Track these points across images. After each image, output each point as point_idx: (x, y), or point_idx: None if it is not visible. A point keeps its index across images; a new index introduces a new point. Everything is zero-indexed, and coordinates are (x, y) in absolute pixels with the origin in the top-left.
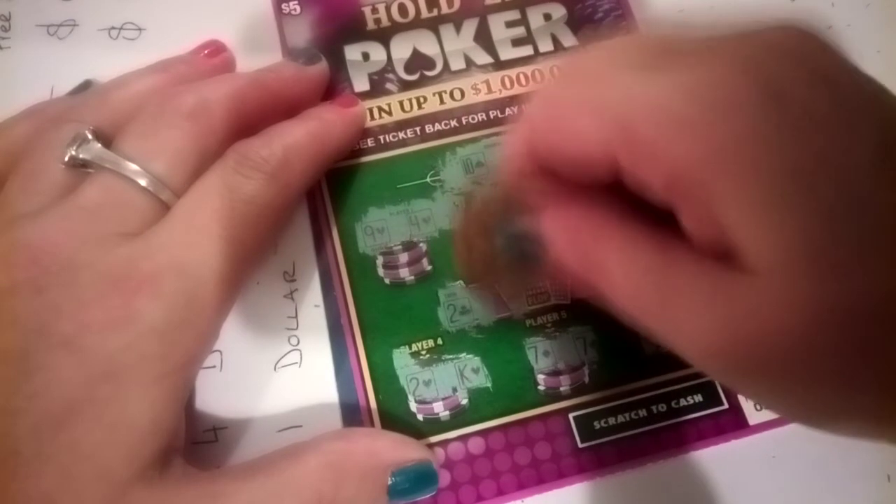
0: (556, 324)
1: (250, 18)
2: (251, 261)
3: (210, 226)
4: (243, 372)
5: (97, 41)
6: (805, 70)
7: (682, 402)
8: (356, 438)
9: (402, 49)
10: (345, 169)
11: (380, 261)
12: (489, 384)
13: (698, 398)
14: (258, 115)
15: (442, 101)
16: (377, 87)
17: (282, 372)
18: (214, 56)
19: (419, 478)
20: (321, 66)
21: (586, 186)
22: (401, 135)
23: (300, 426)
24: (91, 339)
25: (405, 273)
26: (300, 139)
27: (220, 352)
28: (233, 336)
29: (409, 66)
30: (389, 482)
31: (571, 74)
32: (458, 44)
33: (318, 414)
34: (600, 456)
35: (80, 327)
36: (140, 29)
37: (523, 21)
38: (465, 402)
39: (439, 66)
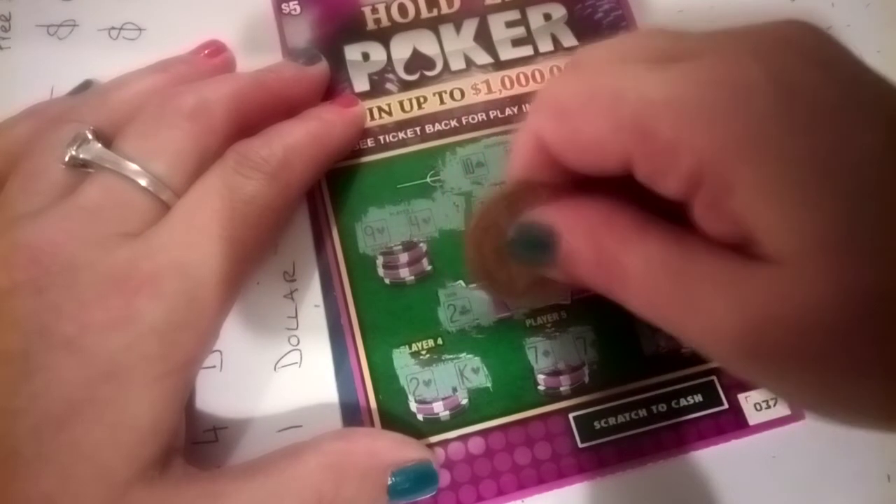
0: (556, 324)
1: (250, 18)
2: (251, 261)
3: (210, 226)
4: (243, 372)
5: (97, 41)
6: (815, 62)
7: (682, 402)
8: (356, 438)
9: (402, 49)
10: (345, 169)
11: (380, 261)
12: (489, 384)
13: (698, 398)
14: (258, 115)
15: (442, 102)
16: (377, 87)
17: (282, 372)
18: (215, 56)
19: (419, 478)
20: (321, 67)
21: (596, 180)
22: (401, 135)
23: (300, 426)
24: (91, 340)
25: (405, 273)
26: (300, 139)
27: (220, 352)
28: (233, 336)
29: (409, 66)
30: (389, 482)
31: (582, 69)
32: (458, 44)
33: (318, 414)
34: (600, 456)
35: (81, 328)
36: (140, 29)
37: (523, 21)
38: (465, 401)
39: (439, 66)
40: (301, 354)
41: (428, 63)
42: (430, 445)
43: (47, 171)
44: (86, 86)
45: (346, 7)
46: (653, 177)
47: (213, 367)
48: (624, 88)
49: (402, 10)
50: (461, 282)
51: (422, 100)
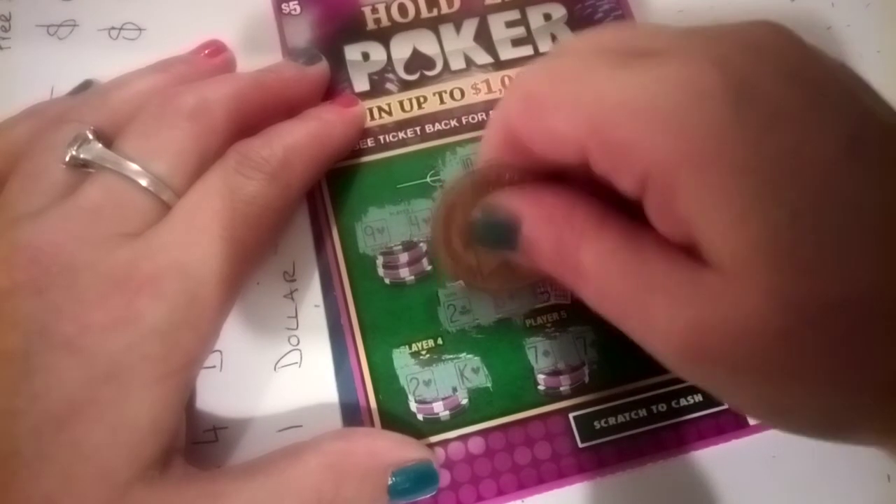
0: (556, 324)
1: (250, 18)
2: (252, 261)
3: (211, 226)
4: (243, 372)
5: (97, 41)
6: (776, 66)
7: (682, 402)
8: (356, 438)
9: (402, 49)
10: (345, 169)
11: (380, 261)
12: (489, 384)
13: (698, 398)
14: (258, 115)
15: (442, 101)
16: (377, 87)
17: (282, 372)
18: (215, 56)
19: (419, 478)
20: (321, 67)
21: (563, 170)
22: (401, 135)
23: (300, 426)
24: (92, 340)
25: (405, 273)
26: (300, 139)
27: (220, 352)
28: (233, 336)
29: (409, 66)
30: (389, 482)
31: (549, 69)
32: (458, 44)
33: (318, 414)
34: (600, 456)
35: (82, 328)
36: (140, 29)
37: (523, 21)
38: (465, 401)
39: (439, 66)
40: (301, 354)
41: (428, 63)
42: (430, 445)
43: (47, 171)
44: (86, 86)
45: (346, 7)
46: (606, 173)
47: (213, 367)
48: (585, 85)
49: (402, 9)
50: (461, 282)
51: (422, 99)
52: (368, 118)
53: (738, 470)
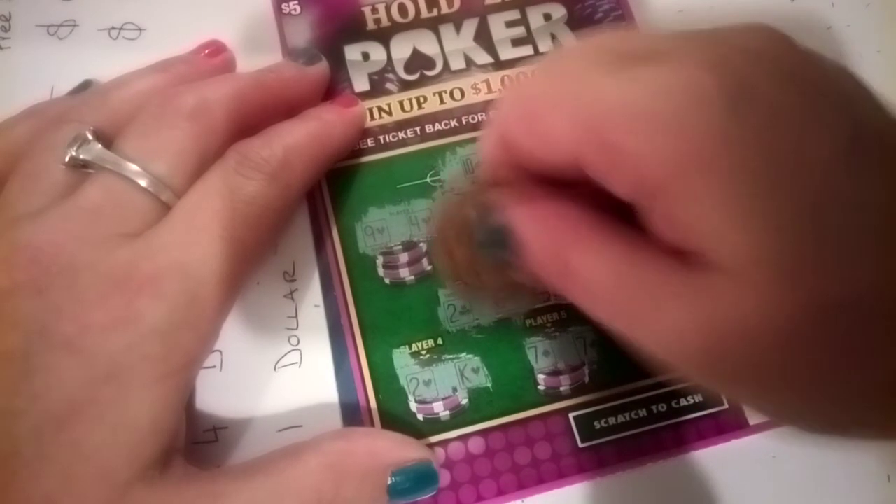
0: (556, 324)
1: (250, 18)
2: (251, 261)
3: (211, 226)
4: (243, 372)
5: (97, 41)
6: (774, 69)
7: (682, 402)
8: (356, 438)
9: (402, 49)
10: (345, 169)
11: (380, 261)
12: (489, 384)
13: (698, 398)
14: (259, 115)
15: (442, 101)
16: (377, 87)
17: (282, 372)
18: (215, 56)
19: (419, 478)
20: (321, 67)
21: (561, 181)
22: (401, 135)
23: (300, 426)
24: (92, 340)
25: (405, 273)
26: (300, 139)
27: (220, 352)
28: (233, 336)
29: (409, 66)
30: (389, 482)
31: (547, 73)
32: (458, 44)
33: (318, 414)
34: (600, 456)
35: (82, 328)
36: (140, 29)
37: (523, 21)
38: (465, 401)
39: (439, 66)
40: (301, 354)
41: (428, 63)
42: (430, 445)
43: (47, 171)
44: (86, 86)
45: (346, 7)
46: (604, 181)
47: (213, 367)
48: (581, 91)
49: (402, 9)
50: (460, 283)
51: (422, 100)
52: (368, 118)
53: (738, 470)
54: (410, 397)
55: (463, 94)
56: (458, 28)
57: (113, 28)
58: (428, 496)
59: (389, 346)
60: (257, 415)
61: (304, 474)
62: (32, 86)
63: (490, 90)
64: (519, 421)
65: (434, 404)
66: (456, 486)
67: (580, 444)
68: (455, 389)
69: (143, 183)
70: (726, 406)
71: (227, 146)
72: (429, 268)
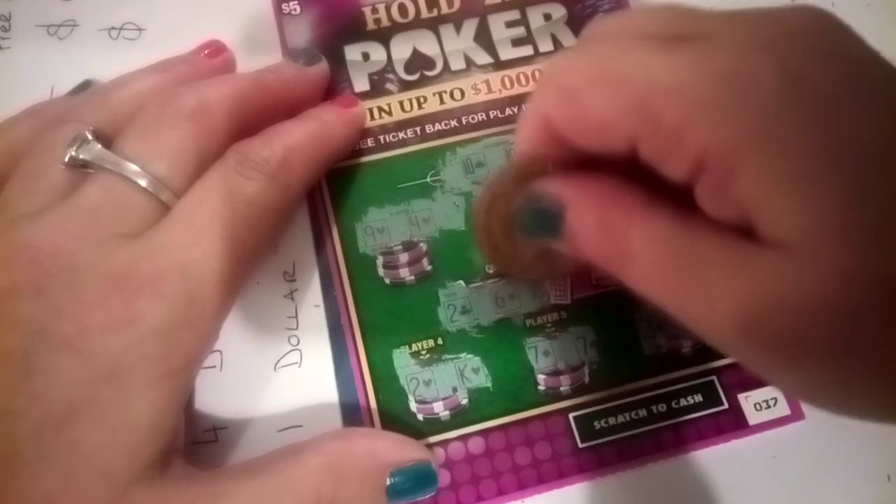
0: (556, 324)
1: (250, 18)
2: (251, 261)
3: (211, 226)
4: (243, 372)
5: (97, 41)
6: (821, 50)
7: (682, 402)
8: (356, 439)
9: (402, 49)
10: (345, 169)
11: (380, 261)
12: (489, 384)
13: (698, 398)
14: (259, 115)
15: (442, 101)
16: (377, 87)
17: (282, 372)
18: (215, 56)
19: (419, 478)
20: (321, 67)
21: (603, 158)
22: (401, 135)
23: (300, 426)
24: (92, 340)
25: (405, 273)
26: (300, 140)
27: (220, 352)
28: (233, 336)
29: (409, 66)
30: (389, 482)
31: (588, 52)
32: (458, 44)
33: (318, 414)
34: (600, 456)
35: (82, 328)
36: (140, 29)
37: (523, 21)
38: (465, 401)
39: (439, 66)
40: (301, 354)
41: (428, 63)
42: (431, 445)
43: (47, 171)
44: (85, 86)
45: (346, 7)
46: (658, 159)
47: (213, 367)
48: (630, 71)
49: (402, 10)
50: (461, 282)
51: (422, 100)
52: (368, 118)
53: (738, 470)
54: (410, 397)
55: (463, 95)
56: (458, 28)
57: (113, 28)
58: (427, 496)
59: (389, 346)
60: (257, 415)
61: (304, 474)
62: (32, 86)
63: (490, 90)
64: (519, 421)
65: (434, 404)
66: (456, 486)
67: (580, 445)
68: (455, 389)
69: (142, 183)
70: (726, 406)
71: (227, 146)
72: (429, 268)
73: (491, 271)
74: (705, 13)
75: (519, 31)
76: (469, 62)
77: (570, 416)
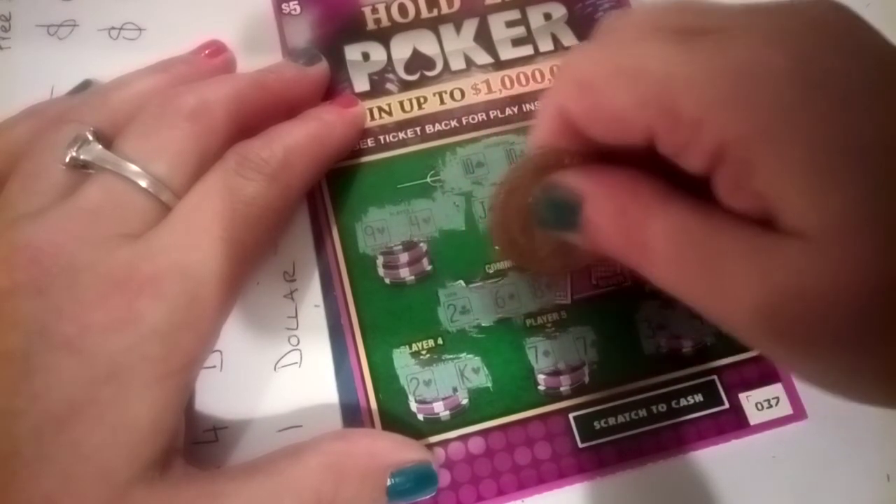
0: (556, 324)
1: (250, 18)
2: (251, 262)
3: (211, 227)
4: (243, 372)
5: (97, 41)
6: (838, 42)
7: (682, 402)
8: (356, 439)
9: (402, 49)
10: (345, 169)
11: (380, 261)
12: (489, 384)
13: (698, 398)
14: (259, 115)
15: (442, 102)
16: (377, 87)
17: (282, 372)
18: (215, 56)
19: (419, 479)
20: (322, 67)
21: (620, 150)
22: (401, 135)
23: (300, 426)
24: (92, 341)
25: (405, 273)
26: (300, 140)
27: (220, 352)
28: (233, 336)
29: (410, 66)
30: (389, 483)
31: (603, 45)
32: (458, 44)
33: (318, 414)
34: (600, 456)
35: (82, 328)
36: (140, 29)
37: (523, 21)
38: (465, 401)
39: (439, 66)
40: (301, 354)
41: (428, 63)
42: (431, 445)
43: (47, 171)
44: (85, 86)
45: (346, 7)
46: (675, 152)
47: (213, 367)
48: (649, 64)
49: (402, 10)
50: (461, 282)
51: (422, 100)
52: (368, 118)
53: (738, 470)
54: (410, 397)
55: (463, 95)
56: (458, 28)
57: (113, 28)
58: (428, 497)
59: (389, 346)
60: (257, 415)
61: (304, 475)
62: (32, 86)
63: (490, 90)
64: (519, 421)
65: (434, 404)
66: (456, 486)
67: (580, 445)
68: (455, 389)
69: (143, 183)
70: (726, 406)
71: (227, 146)
72: (429, 268)
73: (505, 266)
74: (721, 7)
75: (519, 30)
76: (469, 62)
77: (570, 416)
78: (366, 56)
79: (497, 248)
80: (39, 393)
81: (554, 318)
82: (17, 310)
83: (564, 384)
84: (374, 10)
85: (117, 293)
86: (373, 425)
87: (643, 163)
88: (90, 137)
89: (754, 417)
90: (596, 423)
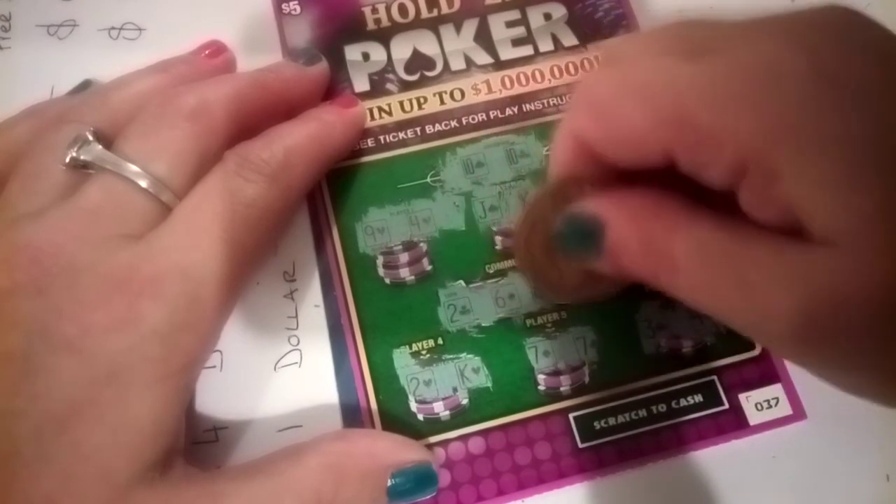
0: (556, 324)
1: (250, 18)
2: (252, 263)
3: (211, 229)
4: (243, 372)
5: (97, 41)
6: (853, 45)
7: (682, 402)
8: (356, 439)
9: (402, 49)
10: (345, 169)
11: (380, 261)
12: (489, 384)
13: (698, 398)
14: (259, 115)
15: (442, 102)
16: (377, 87)
17: (282, 372)
18: (215, 56)
19: (419, 479)
20: (321, 67)
21: (639, 173)
22: (401, 135)
23: (300, 426)
24: (93, 341)
25: (405, 273)
26: (300, 141)
27: (220, 352)
28: (233, 336)
29: (410, 67)
30: (389, 483)
31: (616, 63)
32: (458, 44)
33: (318, 414)
34: (600, 456)
35: (83, 329)
36: (140, 29)
37: (523, 21)
38: (465, 401)
39: (439, 67)
40: (301, 354)
41: (428, 63)
42: (431, 445)
43: (48, 171)
44: (85, 85)
45: (346, 7)
46: (696, 167)
47: (213, 367)
48: (660, 80)
49: (403, 10)
50: (461, 282)
51: (422, 100)
52: (368, 118)
53: (738, 470)
54: (411, 397)
55: (463, 95)
56: (458, 28)
57: (113, 28)
58: (428, 497)
59: (389, 346)
60: (257, 415)
61: (304, 475)
62: (32, 86)
63: (490, 90)
64: (519, 421)
65: (434, 404)
66: (456, 486)
67: (580, 445)
68: (455, 389)
69: (143, 184)
70: (726, 406)
71: (227, 146)
72: (429, 268)
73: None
74: (728, 23)
75: (519, 30)
76: (469, 62)
77: (570, 416)
78: (366, 56)
79: (526, 280)
80: (40, 393)
81: (554, 318)
82: (17, 310)
83: (564, 384)
84: (374, 10)
85: (118, 294)
86: (373, 425)
87: (664, 183)
88: (90, 138)
89: (754, 418)
90: (596, 423)
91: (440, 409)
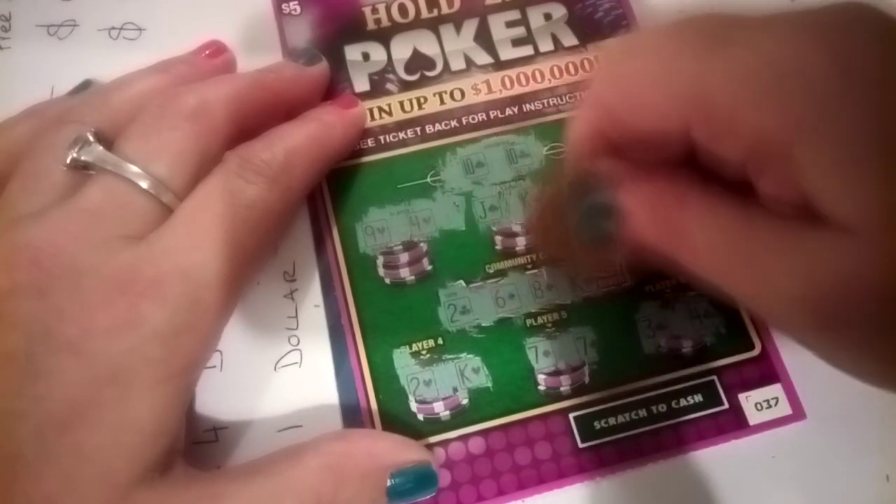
0: (557, 324)
1: (250, 18)
2: (252, 264)
3: (212, 230)
4: (243, 372)
5: (97, 41)
6: (869, 36)
7: (682, 402)
8: (356, 439)
9: (402, 49)
10: (345, 169)
11: (380, 261)
12: (489, 384)
13: (698, 398)
14: (259, 115)
15: (442, 102)
16: (377, 87)
17: (282, 372)
18: (215, 56)
19: (419, 479)
20: (322, 67)
21: (655, 165)
22: (401, 135)
23: (300, 426)
24: (95, 343)
25: (405, 273)
26: (301, 142)
27: (220, 352)
28: (233, 336)
29: (410, 67)
30: (389, 483)
31: (638, 52)
32: (459, 44)
33: (318, 414)
34: (600, 456)
35: (84, 330)
36: (140, 29)
37: (523, 21)
38: (465, 401)
39: (439, 67)
40: (301, 354)
41: (428, 63)
42: (431, 445)
43: (48, 172)
44: (86, 86)
45: (347, 7)
46: (711, 153)
47: (213, 367)
48: (683, 65)
49: (403, 10)
50: (461, 282)
51: (422, 100)
52: (369, 118)
53: (738, 470)
54: (411, 397)
55: (463, 95)
56: (458, 28)
57: (113, 28)
58: (428, 497)
59: (390, 346)
60: (257, 415)
61: (304, 475)
62: (32, 86)
63: (490, 90)
64: (519, 421)
65: (434, 404)
66: (456, 486)
67: (580, 445)
68: (455, 389)
69: (143, 185)
70: (726, 406)
71: (228, 147)
72: (429, 268)
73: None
74: (748, 17)
75: (519, 31)
76: (469, 62)
77: (571, 416)
78: (366, 56)
79: (536, 243)
80: (42, 394)
81: (554, 318)
82: (17, 310)
83: (564, 384)
84: (374, 10)
85: (120, 295)
86: (373, 425)
87: (680, 174)
88: (91, 138)
89: (754, 417)
90: (596, 423)
91: (440, 409)
